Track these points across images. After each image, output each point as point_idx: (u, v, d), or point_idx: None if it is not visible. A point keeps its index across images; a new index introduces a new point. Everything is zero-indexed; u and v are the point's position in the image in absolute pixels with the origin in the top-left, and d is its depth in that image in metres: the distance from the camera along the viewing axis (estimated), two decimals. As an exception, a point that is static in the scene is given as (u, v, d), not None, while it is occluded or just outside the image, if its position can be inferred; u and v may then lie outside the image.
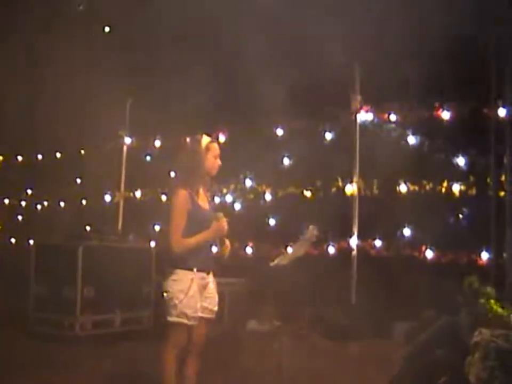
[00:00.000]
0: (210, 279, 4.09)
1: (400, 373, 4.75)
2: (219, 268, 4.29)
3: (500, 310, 6.03)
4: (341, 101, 8.32)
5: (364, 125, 8.34)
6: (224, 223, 4.00)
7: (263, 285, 7.68)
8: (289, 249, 4.54)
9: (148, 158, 10.13)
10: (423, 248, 7.76)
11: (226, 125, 9.23)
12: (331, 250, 8.35)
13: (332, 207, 7.91)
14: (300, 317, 8.33)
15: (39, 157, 11.41)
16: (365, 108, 8.33)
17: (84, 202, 10.69)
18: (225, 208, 8.67)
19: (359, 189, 8.26)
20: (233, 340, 7.42)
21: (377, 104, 8.25)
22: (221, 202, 9.08)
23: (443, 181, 7.72)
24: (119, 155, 10.33)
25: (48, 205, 11.24)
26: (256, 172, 9.04)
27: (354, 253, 8.26)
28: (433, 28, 7.22)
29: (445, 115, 7.79)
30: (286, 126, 8.89)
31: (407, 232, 7.89)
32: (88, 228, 9.06)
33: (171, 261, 3.97)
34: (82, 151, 10.82)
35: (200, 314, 4.00)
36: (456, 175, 7.67)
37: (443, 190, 7.72)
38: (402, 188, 7.94)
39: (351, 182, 8.32)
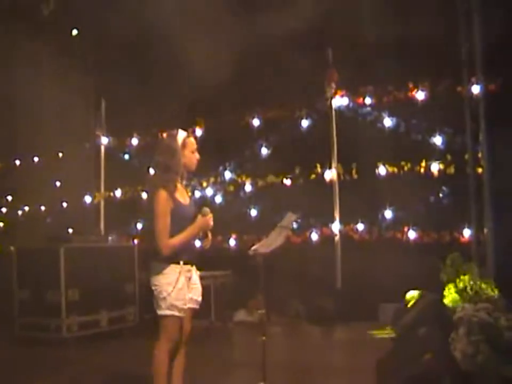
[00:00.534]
0: (194, 270, 4.09)
1: (387, 354, 4.76)
2: (204, 261, 4.29)
3: (483, 285, 6.09)
4: (316, 87, 8.33)
5: (339, 110, 8.35)
6: (209, 217, 4.00)
7: (249, 275, 7.67)
8: (269, 237, 4.50)
9: (126, 156, 10.08)
10: (406, 229, 7.81)
11: (202, 117, 9.20)
12: (314, 237, 8.37)
13: (312, 194, 7.91)
14: (287, 305, 8.37)
15: (17, 162, 11.32)
16: (339, 92, 8.33)
17: (64, 204, 10.61)
18: (206, 202, 8.66)
19: (338, 174, 8.28)
20: (221, 331, 7.43)
21: (352, 88, 8.26)
22: (201, 196, 9.07)
23: (421, 161, 7.75)
24: (97, 155, 10.28)
25: (29, 209, 11.15)
26: (234, 163, 9.01)
27: (337, 238, 8.29)
28: (406, 8, 7.25)
29: (420, 95, 7.82)
30: (262, 115, 8.88)
31: (388, 214, 7.94)
32: (70, 230, 8.98)
33: (157, 256, 3.94)
34: (60, 154, 10.74)
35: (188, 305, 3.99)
36: (434, 155, 7.71)
37: (422, 170, 7.76)
38: (382, 170, 7.96)
39: (330, 167, 8.34)
